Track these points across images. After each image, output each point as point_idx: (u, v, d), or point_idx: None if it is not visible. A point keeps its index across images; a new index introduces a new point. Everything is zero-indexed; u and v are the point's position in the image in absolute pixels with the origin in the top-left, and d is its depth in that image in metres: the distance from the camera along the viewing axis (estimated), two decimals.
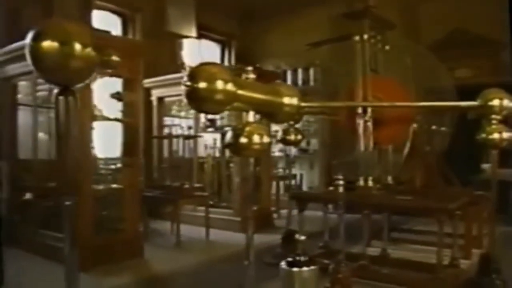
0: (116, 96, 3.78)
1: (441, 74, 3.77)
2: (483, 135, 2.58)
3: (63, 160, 1.18)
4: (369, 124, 3.35)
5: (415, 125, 3.64)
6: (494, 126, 2.56)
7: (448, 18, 5.68)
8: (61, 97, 1.20)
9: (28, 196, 4.07)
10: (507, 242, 3.42)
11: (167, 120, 5.73)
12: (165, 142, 5.45)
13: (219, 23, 7.37)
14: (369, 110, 3.36)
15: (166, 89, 5.59)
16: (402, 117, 3.43)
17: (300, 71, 6.84)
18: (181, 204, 4.50)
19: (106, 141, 3.97)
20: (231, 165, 5.27)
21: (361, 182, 3.34)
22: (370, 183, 3.33)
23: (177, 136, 5.08)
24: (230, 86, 1.60)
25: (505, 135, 2.56)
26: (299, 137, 3.41)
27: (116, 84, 3.80)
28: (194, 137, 5.14)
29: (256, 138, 1.77)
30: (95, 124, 3.54)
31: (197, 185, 4.93)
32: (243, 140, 1.77)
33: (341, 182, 2.62)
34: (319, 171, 6.66)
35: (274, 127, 4.73)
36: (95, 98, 3.57)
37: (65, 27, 1.20)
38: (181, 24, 6.32)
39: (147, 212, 4.43)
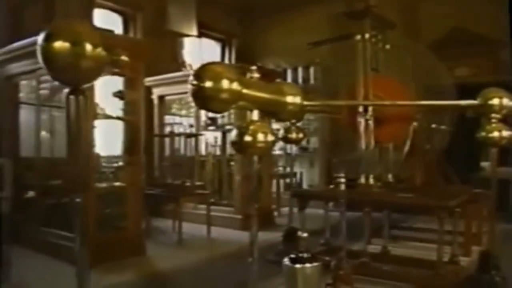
0: (118, 94, 3.80)
1: (440, 73, 3.80)
2: (483, 134, 2.61)
3: (74, 158, 1.21)
4: (370, 122, 3.38)
5: (415, 124, 3.67)
6: (493, 125, 2.59)
7: (448, 17, 5.71)
8: (72, 97, 1.22)
9: (30, 194, 4.09)
10: (507, 239, 3.46)
11: (169, 119, 5.75)
12: (167, 140, 5.48)
13: (219, 21, 7.39)
14: (370, 108, 3.39)
15: (167, 87, 5.61)
16: (402, 115, 3.46)
17: (300, 69, 6.87)
18: (182, 202, 4.53)
19: (106, 139, 3.99)
20: (232, 163, 5.30)
21: (362, 180, 3.38)
22: (371, 181, 3.37)
23: (179, 135, 5.11)
24: (235, 85, 1.63)
25: (505, 133, 2.59)
26: (301, 135, 3.43)
27: (117, 82, 3.82)
28: (196, 135, 5.16)
29: (260, 137, 1.80)
30: (96, 122, 3.57)
31: (198, 183, 4.95)
32: (248, 138, 1.80)
33: (342, 180, 2.65)
34: (319, 169, 6.69)
35: (275, 126, 4.75)
36: (96, 96, 3.59)
37: (76, 28, 1.23)
38: (182, 23, 6.34)
39: (149, 210, 4.46)
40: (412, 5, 6.09)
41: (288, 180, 6.26)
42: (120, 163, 3.97)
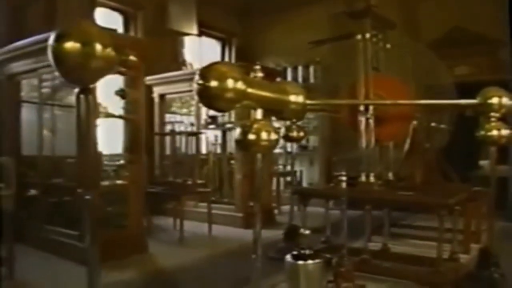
0: (120, 93, 3.82)
1: (440, 72, 3.83)
2: (482, 132, 2.64)
3: (83, 156, 1.23)
4: (371, 121, 3.41)
5: (415, 123, 3.70)
6: (493, 124, 2.63)
7: (447, 16, 5.73)
8: (82, 96, 1.25)
9: (32, 192, 4.11)
10: (505, 237, 3.50)
11: (170, 117, 5.78)
12: (167, 138, 5.50)
13: (219, 20, 7.41)
14: (371, 107, 3.42)
15: (168, 86, 5.64)
16: (403, 114, 3.50)
17: (300, 68, 6.90)
18: (184, 200, 4.56)
19: (107, 138, 4.01)
20: (232, 161, 5.33)
21: (363, 178, 3.41)
22: (372, 179, 3.40)
23: (180, 133, 5.13)
24: (240, 85, 1.65)
25: (504, 132, 2.63)
26: (301, 133, 3.47)
27: (117, 81, 3.83)
28: (196, 133, 5.19)
29: (264, 135, 1.83)
30: (98, 121, 3.58)
31: (199, 181, 4.98)
32: (251, 137, 1.83)
33: (343, 178, 2.68)
34: (319, 167, 6.72)
35: (276, 124, 4.78)
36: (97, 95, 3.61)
37: (86, 29, 1.25)
38: (182, 22, 6.35)
39: (150, 208, 4.48)
40: (412, 4, 6.11)
41: (288, 179, 6.30)
42: (122, 162, 3.99)
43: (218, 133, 5.62)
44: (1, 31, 4.54)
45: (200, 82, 1.62)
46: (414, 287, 2.89)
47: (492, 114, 2.63)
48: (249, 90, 1.71)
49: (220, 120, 5.43)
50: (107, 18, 5.85)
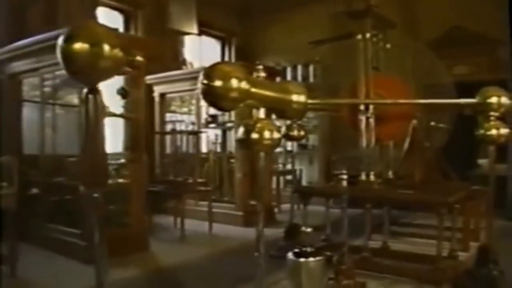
0: (121, 92, 3.83)
1: (440, 72, 3.87)
2: (482, 131, 2.67)
3: (92, 155, 1.26)
4: (371, 120, 3.44)
5: (414, 122, 3.73)
6: (492, 123, 2.66)
7: (447, 16, 5.77)
8: (90, 96, 1.27)
9: (34, 191, 4.13)
10: (504, 235, 3.53)
11: (171, 116, 5.80)
12: (168, 137, 5.53)
13: (219, 19, 7.44)
14: (371, 106, 3.45)
15: (169, 85, 5.66)
16: (403, 114, 3.53)
17: (299, 67, 6.93)
18: (185, 198, 4.58)
19: (107, 137, 4.02)
20: (232, 160, 5.35)
21: (363, 177, 3.44)
22: (372, 177, 3.43)
23: (181, 132, 5.15)
24: (244, 84, 1.67)
25: (503, 131, 2.66)
26: (302, 132, 3.49)
27: (118, 80, 3.85)
28: (197, 132, 5.21)
29: (267, 134, 1.86)
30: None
31: (200, 180, 5.00)
32: (255, 135, 1.85)
33: (344, 177, 2.71)
34: (318, 166, 6.75)
35: (277, 123, 4.80)
36: None
37: (94, 29, 1.27)
38: (183, 21, 6.37)
39: (150, 206, 4.50)
40: (412, 4, 6.14)
41: (288, 177, 6.33)
42: (122, 160, 4.01)
43: (218, 132, 5.64)
44: (1, 31, 4.55)
45: (205, 81, 1.64)
46: (414, 284, 2.92)
47: (491, 113, 2.66)
48: (253, 89, 1.73)
49: (220, 119, 5.46)
50: (107, 17, 5.87)
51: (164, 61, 5.79)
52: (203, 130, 5.40)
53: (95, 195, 1.28)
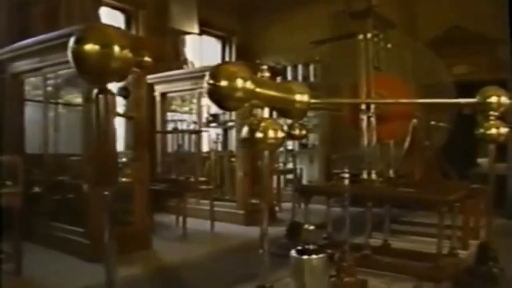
0: (123, 92, 3.86)
1: (440, 71, 3.90)
2: (482, 131, 2.72)
3: (102, 154, 1.29)
4: (372, 119, 3.48)
5: (414, 121, 3.77)
6: (492, 122, 2.70)
7: (447, 16, 5.80)
8: (101, 96, 1.30)
9: (36, 189, 4.15)
10: (503, 233, 3.57)
11: (173, 116, 5.83)
12: (169, 136, 5.55)
13: (220, 19, 7.46)
14: (372, 106, 3.49)
15: (170, 84, 5.69)
16: (403, 113, 3.56)
17: (300, 67, 6.96)
18: (187, 197, 4.61)
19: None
20: (232, 159, 5.38)
21: (365, 176, 3.48)
22: (373, 176, 3.46)
23: (182, 131, 5.18)
24: (249, 84, 1.71)
25: (502, 130, 2.70)
26: (304, 131, 3.53)
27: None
28: (199, 132, 5.23)
29: (271, 133, 1.89)
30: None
31: (202, 179, 5.03)
32: (259, 134, 1.89)
33: (346, 175, 2.75)
34: (318, 165, 6.78)
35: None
36: None
37: (104, 31, 1.31)
38: (183, 21, 6.40)
39: (152, 205, 4.52)
40: (411, 4, 6.17)
41: (289, 176, 6.36)
42: (124, 159, 4.03)
43: (219, 131, 5.67)
44: (2, 31, 4.57)
45: (211, 81, 1.67)
46: (414, 281, 2.95)
47: (491, 112, 2.70)
48: (258, 89, 1.77)
49: (221, 118, 5.49)
50: (108, 16, 5.89)
51: (166, 60, 5.81)
52: (204, 129, 5.43)
53: (106, 193, 1.31)
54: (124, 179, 3.84)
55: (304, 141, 6.63)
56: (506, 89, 2.81)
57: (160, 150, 5.69)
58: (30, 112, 4.43)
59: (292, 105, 2.13)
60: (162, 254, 3.77)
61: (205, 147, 5.67)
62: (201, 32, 6.95)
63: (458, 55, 5.49)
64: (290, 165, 6.28)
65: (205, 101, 5.54)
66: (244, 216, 4.89)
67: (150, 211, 4.39)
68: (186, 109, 6.09)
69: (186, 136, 5.07)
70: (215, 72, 1.70)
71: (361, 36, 3.52)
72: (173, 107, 6.02)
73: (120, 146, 4.44)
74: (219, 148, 5.62)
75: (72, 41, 1.28)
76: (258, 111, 2.03)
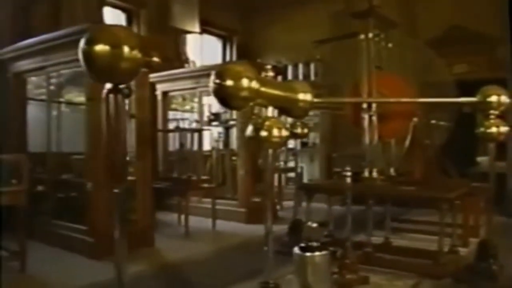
0: (125, 91, 3.88)
1: (440, 71, 3.93)
2: (482, 129, 2.75)
3: (113, 152, 1.32)
4: (374, 118, 3.51)
5: (415, 120, 3.80)
6: (492, 121, 2.74)
7: (447, 15, 5.83)
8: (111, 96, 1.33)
9: (40, 188, 4.18)
10: (502, 231, 3.60)
11: (176, 114, 5.86)
12: (170, 135, 5.58)
13: (220, 18, 7.49)
14: (374, 105, 3.52)
15: (171, 83, 5.71)
16: (404, 112, 3.59)
17: (300, 66, 6.99)
18: (189, 195, 4.64)
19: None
20: (234, 158, 5.41)
21: (366, 174, 3.51)
22: (375, 174, 3.50)
23: (184, 130, 5.20)
24: (254, 84, 1.74)
25: (502, 129, 2.74)
26: (305, 130, 3.57)
27: None
28: (200, 130, 5.26)
29: (275, 132, 1.93)
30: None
31: (204, 177, 5.06)
32: (264, 133, 1.92)
33: (348, 174, 2.78)
34: (319, 164, 6.80)
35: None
36: None
37: (114, 32, 1.34)
38: (185, 20, 6.42)
39: (154, 203, 4.54)
40: (412, 3, 6.20)
41: (289, 175, 6.39)
42: (127, 158, 4.05)
43: (221, 129, 5.69)
44: (5, 30, 4.59)
45: (217, 81, 1.71)
46: (415, 278, 2.98)
47: (491, 111, 2.73)
48: (263, 89, 1.80)
49: (222, 117, 5.51)
50: (109, 15, 5.91)
51: (168, 59, 5.83)
52: (205, 128, 5.45)
53: (116, 190, 1.34)
54: (127, 178, 3.87)
55: (304, 139, 6.65)
56: (506, 88, 2.84)
57: (162, 149, 5.72)
58: (33, 111, 4.46)
59: (295, 104, 2.16)
60: (164, 252, 3.79)
61: (206, 146, 5.69)
62: (202, 31, 6.98)
63: (458, 54, 5.52)
64: (290, 164, 6.31)
65: (207, 99, 5.58)
66: (246, 214, 4.92)
67: (152, 209, 4.42)
68: (187, 107, 6.12)
69: (188, 135, 5.09)
70: (221, 71, 1.73)
71: (362, 36, 3.55)
72: (173, 105, 6.04)
73: None
74: (221, 146, 5.64)
75: (82, 41, 1.31)
76: (261, 110, 2.07)
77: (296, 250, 2.40)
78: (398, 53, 3.93)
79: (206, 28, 7.17)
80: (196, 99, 5.79)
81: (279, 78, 5.57)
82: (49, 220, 3.94)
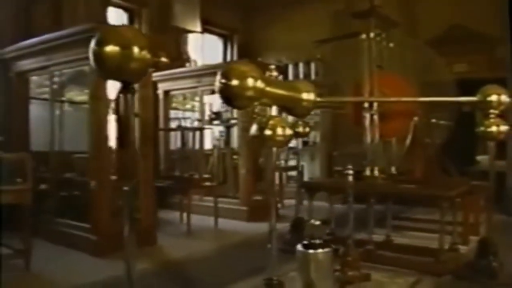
0: (132, 90, 3.89)
1: (441, 70, 3.96)
2: (482, 128, 2.78)
3: (125, 150, 1.34)
4: (375, 117, 3.54)
5: (416, 119, 3.82)
6: (492, 120, 2.76)
7: (447, 15, 5.85)
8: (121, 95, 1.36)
9: (43, 186, 4.20)
10: (502, 229, 3.63)
11: (178, 113, 5.88)
12: (172, 134, 5.61)
13: (221, 17, 7.51)
14: (375, 104, 3.55)
15: (173, 82, 5.74)
16: (405, 111, 3.62)
17: (301, 65, 7.01)
18: (191, 194, 4.67)
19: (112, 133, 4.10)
20: (235, 156, 5.44)
21: (367, 172, 3.54)
22: (376, 173, 3.52)
23: (185, 129, 5.23)
24: (259, 83, 1.76)
25: (502, 128, 2.76)
26: (307, 129, 3.59)
27: None
28: (202, 129, 5.28)
29: (279, 130, 1.96)
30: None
31: (205, 175, 5.09)
32: (268, 132, 1.95)
33: (350, 172, 2.81)
34: (319, 162, 6.83)
35: None
36: None
37: (124, 33, 1.36)
38: (186, 19, 6.45)
39: (156, 202, 4.56)
40: (412, 3, 6.22)
41: (290, 173, 6.41)
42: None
43: (222, 128, 5.72)
44: (7, 30, 4.61)
45: (222, 80, 1.73)
46: (416, 276, 3.01)
47: (491, 111, 2.76)
48: (267, 88, 1.82)
49: (224, 116, 5.54)
50: (111, 15, 5.92)
51: (169, 59, 5.85)
52: (207, 126, 5.48)
53: (125, 188, 1.37)
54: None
55: (305, 138, 6.68)
56: (506, 87, 2.87)
57: (163, 148, 5.75)
58: (35, 110, 4.49)
59: (298, 103, 2.19)
60: (166, 250, 3.83)
61: (208, 145, 5.72)
62: (203, 31, 7.00)
63: (459, 53, 5.55)
64: (291, 162, 6.34)
65: (208, 98, 5.60)
66: (247, 212, 4.96)
67: (155, 207, 4.45)
68: (188, 106, 6.14)
69: (190, 134, 5.11)
70: (227, 71, 1.75)
71: (363, 36, 3.58)
72: (174, 104, 6.07)
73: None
74: (222, 145, 5.67)
75: (93, 42, 1.33)
76: (261, 109, 2.10)
77: (299, 247, 2.42)
78: (398, 52, 3.96)
79: (207, 27, 7.20)
80: (197, 98, 5.81)
81: (280, 77, 5.58)
82: (52, 218, 3.97)
